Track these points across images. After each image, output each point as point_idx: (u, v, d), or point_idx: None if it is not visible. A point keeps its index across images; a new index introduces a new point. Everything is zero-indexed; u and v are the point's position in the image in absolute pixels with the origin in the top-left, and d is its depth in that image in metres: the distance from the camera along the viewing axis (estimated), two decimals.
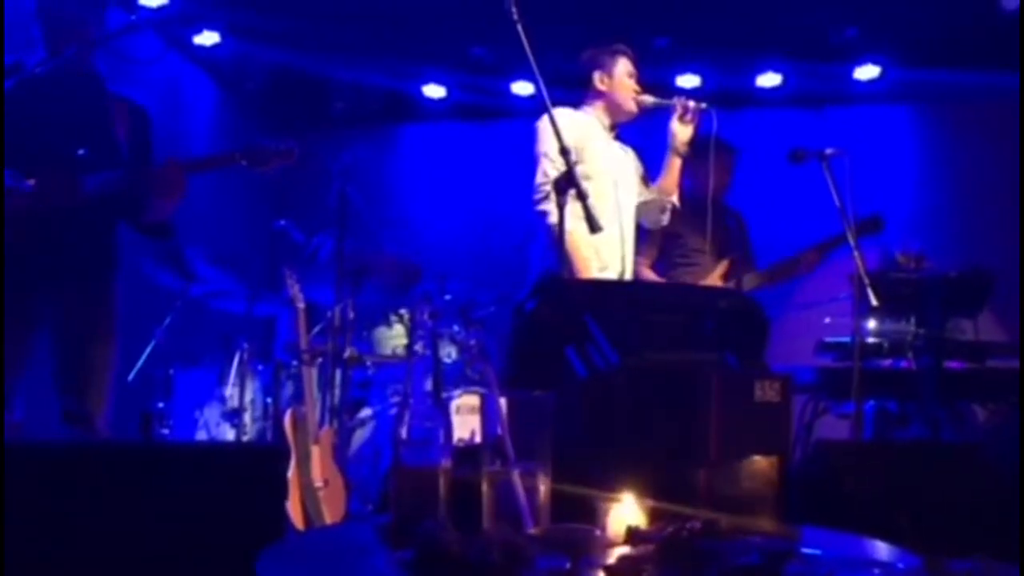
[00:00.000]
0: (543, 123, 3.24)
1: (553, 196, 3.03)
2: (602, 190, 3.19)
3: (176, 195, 2.67)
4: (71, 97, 2.70)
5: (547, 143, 3.15)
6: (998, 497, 1.97)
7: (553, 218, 3.07)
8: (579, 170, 3.10)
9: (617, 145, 3.41)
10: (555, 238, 3.06)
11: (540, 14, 2.71)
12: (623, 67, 3.34)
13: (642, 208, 3.46)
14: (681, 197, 3.62)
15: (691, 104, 3.25)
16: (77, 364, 2.64)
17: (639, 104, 3.33)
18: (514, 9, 2.67)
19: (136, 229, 2.83)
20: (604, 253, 3.20)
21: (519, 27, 2.68)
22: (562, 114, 3.23)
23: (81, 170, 2.59)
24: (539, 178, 3.19)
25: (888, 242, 3.85)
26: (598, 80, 3.35)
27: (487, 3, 2.68)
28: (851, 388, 3.26)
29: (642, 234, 3.57)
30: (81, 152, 2.59)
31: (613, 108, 3.35)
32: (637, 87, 3.35)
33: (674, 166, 3.36)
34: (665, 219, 3.48)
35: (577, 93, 3.42)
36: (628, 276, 3.29)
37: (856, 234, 3.30)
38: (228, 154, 2.74)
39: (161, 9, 4.60)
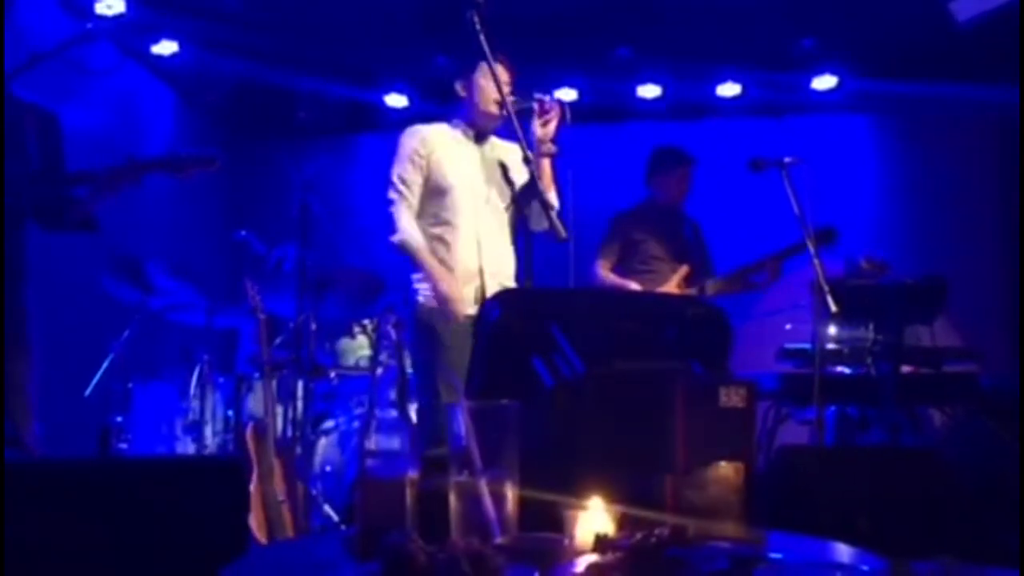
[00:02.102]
0: (402, 139, 3.29)
1: (406, 213, 3.16)
2: (456, 199, 3.17)
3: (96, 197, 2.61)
4: None
5: (398, 166, 3.24)
6: (957, 499, 2.00)
7: (395, 236, 3.16)
8: (431, 183, 3.18)
9: (483, 149, 3.32)
10: (403, 255, 3.16)
11: (502, 25, 2.73)
12: (484, 71, 3.18)
13: (527, 213, 3.30)
14: (643, 205, 3.63)
15: (545, 99, 3.11)
16: None
17: (499, 105, 3.14)
18: (476, 19, 2.68)
19: (56, 230, 2.72)
20: (459, 263, 3.16)
21: (481, 37, 2.69)
22: (421, 130, 3.27)
23: None
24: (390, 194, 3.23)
25: (851, 250, 3.91)
26: (459, 88, 3.31)
27: (449, 13, 2.68)
28: (812, 394, 3.30)
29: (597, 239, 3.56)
30: None
31: (474, 113, 3.29)
32: (504, 90, 3.15)
33: (544, 167, 3.17)
34: (546, 223, 3.41)
35: None
36: (491, 284, 3.16)
37: (812, 244, 3.34)
38: (146, 162, 2.63)
39: (117, 18, 4.52)
